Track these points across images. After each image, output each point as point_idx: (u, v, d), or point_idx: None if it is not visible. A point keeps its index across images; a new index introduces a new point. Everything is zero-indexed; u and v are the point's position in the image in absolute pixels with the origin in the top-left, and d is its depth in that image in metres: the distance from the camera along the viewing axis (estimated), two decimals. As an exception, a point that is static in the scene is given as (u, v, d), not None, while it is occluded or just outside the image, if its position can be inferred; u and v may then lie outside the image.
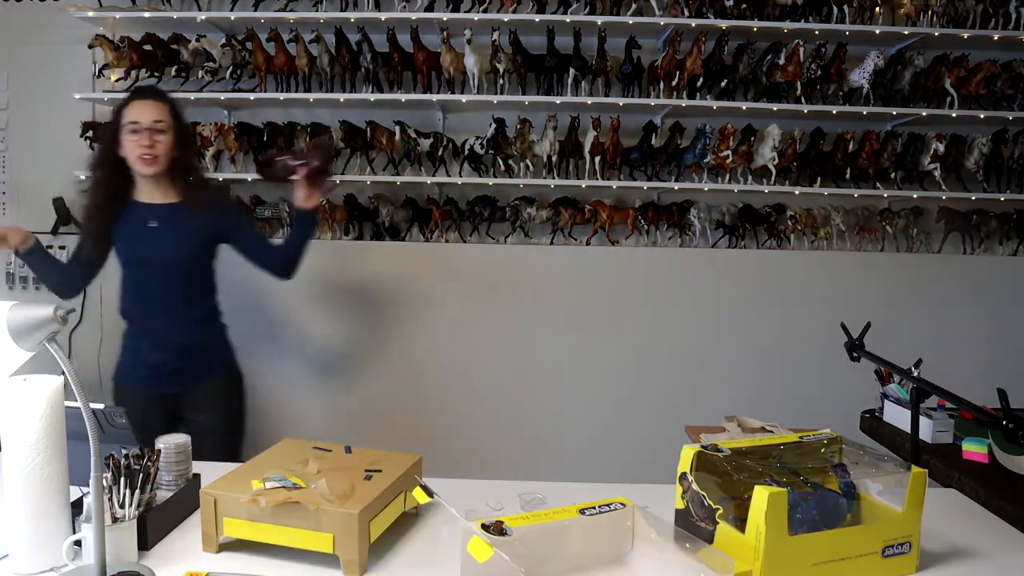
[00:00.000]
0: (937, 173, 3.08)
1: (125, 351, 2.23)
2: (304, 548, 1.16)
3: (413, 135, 3.06)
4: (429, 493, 1.17)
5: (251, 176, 3.00)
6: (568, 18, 2.93)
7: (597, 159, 3.05)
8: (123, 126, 2.07)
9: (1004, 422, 1.35)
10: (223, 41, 3.01)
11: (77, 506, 1.21)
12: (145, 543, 1.22)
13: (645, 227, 3.20)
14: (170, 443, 1.38)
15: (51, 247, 3.22)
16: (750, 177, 3.14)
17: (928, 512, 1.22)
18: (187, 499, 1.36)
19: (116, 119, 2.10)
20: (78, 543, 1.12)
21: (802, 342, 3.17)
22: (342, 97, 3.01)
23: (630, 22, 2.94)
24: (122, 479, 1.19)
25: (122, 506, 1.18)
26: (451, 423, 3.20)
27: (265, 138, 3.04)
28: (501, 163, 3.10)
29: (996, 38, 2.99)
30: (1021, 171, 3.14)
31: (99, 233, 2.14)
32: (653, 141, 3.06)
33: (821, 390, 3.03)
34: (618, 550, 1.21)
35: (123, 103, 2.12)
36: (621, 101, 3.00)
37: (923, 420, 1.96)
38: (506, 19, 2.93)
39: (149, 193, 2.14)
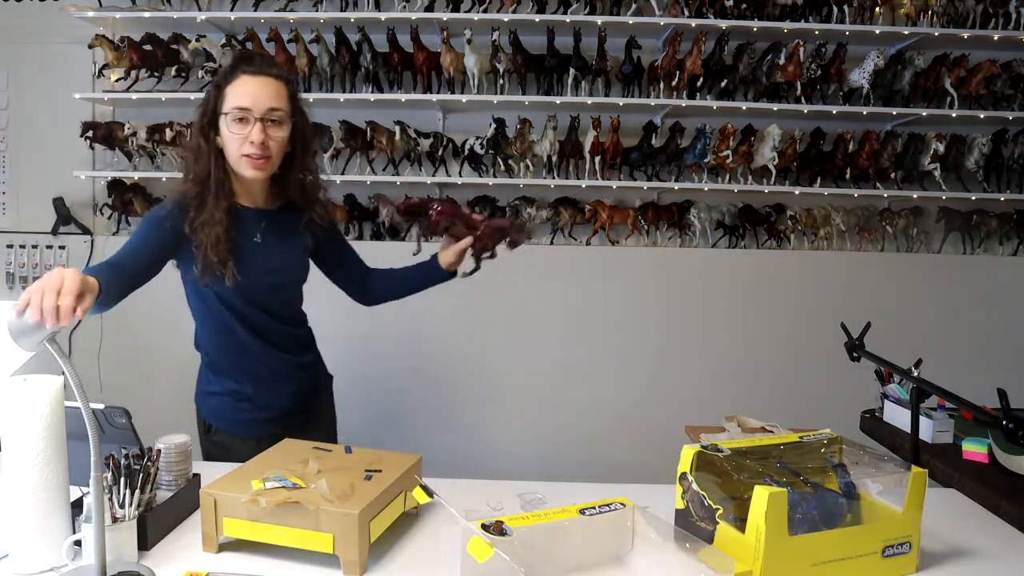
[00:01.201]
0: (937, 173, 3.08)
1: (224, 395, 1.72)
2: (304, 548, 1.16)
3: (413, 135, 3.06)
4: (429, 493, 1.17)
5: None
6: (568, 18, 2.93)
7: (597, 159, 3.04)
8: (224, 113, 1.53)
9: (1004, 422, 1.35)
10: (223, 41, 3.01)
11: (77, 506, 1.21)
12: (145, 543, 1.22)
13: (645, 227, 3.20)
14: (170, 443, 1.38)
15: (51, 247, 3.23)
16: (750, 177, 3.14)
17: (928, 512, 1.22)
18: (187, 499, 1.35)
19: (214, 98, 1.55)
20: (78, 543, 1.12)
21: (802, 342, 3.17)
22: (342, 97, 3.01)
23: (630, 22, 2.94)
24: (122, 479, 1.18)
25: (122, 506, 1.17)
26: (451, 423, 3.20)
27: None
28: (501, 163, 3.10)
29: (996, 38, 3.00)
30: (1021, 171, 3.14)
31: (223, 256, 1.55)
32: (653, 141, 3.06)
33: (821, 390, 3.03)
34: (618, 550, 1.21)
35: (226, 76, 1.55)
36: (621, 101, 3.00)
37: (923, 420, 1.96)
38: (506, 19, 2.93)
39: (251, 196, 1.65)
